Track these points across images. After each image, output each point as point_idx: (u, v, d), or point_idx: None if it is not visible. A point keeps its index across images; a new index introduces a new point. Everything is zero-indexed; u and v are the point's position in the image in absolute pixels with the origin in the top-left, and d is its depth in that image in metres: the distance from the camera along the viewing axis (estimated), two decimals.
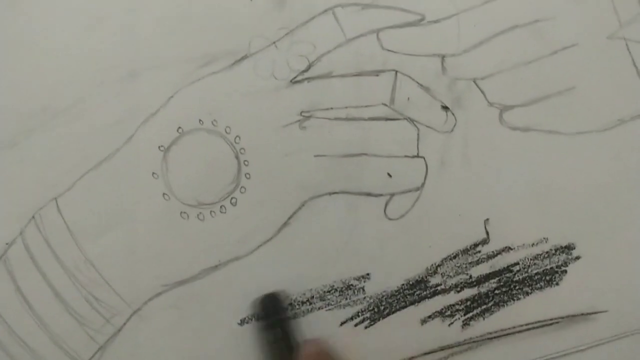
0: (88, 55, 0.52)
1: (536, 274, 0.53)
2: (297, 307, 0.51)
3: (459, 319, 0.52)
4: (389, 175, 0.52)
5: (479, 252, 0.53)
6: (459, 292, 0.53)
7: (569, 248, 0.53)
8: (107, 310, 0.50)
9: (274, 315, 0.49)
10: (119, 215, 0.51)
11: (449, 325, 0.52)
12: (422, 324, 0.52)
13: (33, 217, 0.50)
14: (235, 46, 0.53)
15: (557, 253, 0.53)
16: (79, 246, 0.50)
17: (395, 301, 0.52)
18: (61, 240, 0.50)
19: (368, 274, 0.52)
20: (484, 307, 0.52)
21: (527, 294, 0.53)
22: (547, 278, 0.53)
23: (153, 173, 0.51)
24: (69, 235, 0.50)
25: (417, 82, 0.54)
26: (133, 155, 0.51)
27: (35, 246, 0.50)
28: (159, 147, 0.51)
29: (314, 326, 0.51)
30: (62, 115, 0.51)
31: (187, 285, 0.51)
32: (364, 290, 0.52)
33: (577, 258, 0.53)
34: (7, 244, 0.50)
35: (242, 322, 0.51)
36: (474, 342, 0.52)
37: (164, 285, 0.50)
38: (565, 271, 0.53)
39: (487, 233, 0.52)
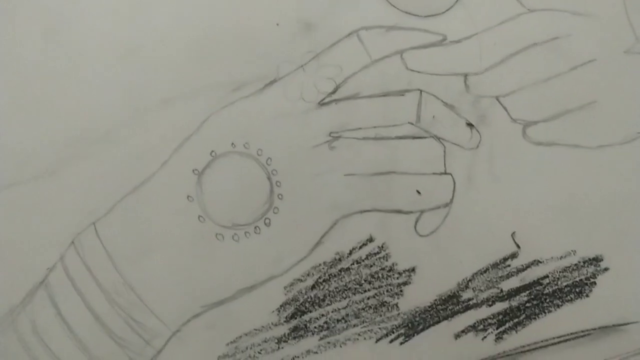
0: (122, 85, 0.53)
1: (566, 286, 0.54)
2: (333, 324, 0.52)
3: (491, 332, 0.53)
4: (418, 192, 0.53)
5: (509, 265, 0.53)
6: (490, 306, 0.53)
7: (597, 260, 0.54)
8: (147, 333, 0.51)
9: None
10: (156, 238, 0.52)
11: (483, 339, 0.53)
12: (455, 339, 0.53)
13: (72, 242, 0.51)
14: (265, 71, 0.54)
15: (586, 265, 0.54)
16: (118, 270, 0.51)
17: (429, 316, 0.53)
18: (100, 264, 0.51)
19: (401, 291, 0.52)
20: (516, 320, 0.53)
21: (558, 306, 0.54)
22: (577, 290, 0.54)
23: (188, 196, 0.52)
24: (107, 259, 0.51)
25: (442, 101, 0.55)
26: (168, 179, 0.52)
27: (75, 270, 0.51)
28: (193, 170, 0.52)
29: (350, 343, 0.52)
30: (99, 143, 0.52)
31: (224, 305, 0.52)
32: (397, 306, 0.53)
33: (606, 269, 0.54)
34: (47, 269, 0.51)
35: (279, 341, 0.51)
36: (507, 355, 0.52)
37: (201, 306, 0.51)
38: (595, 283, 0.54)
39: (518, 246, 0.53)
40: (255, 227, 0.52)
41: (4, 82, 0.54)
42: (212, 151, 0.53)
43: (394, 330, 0.53)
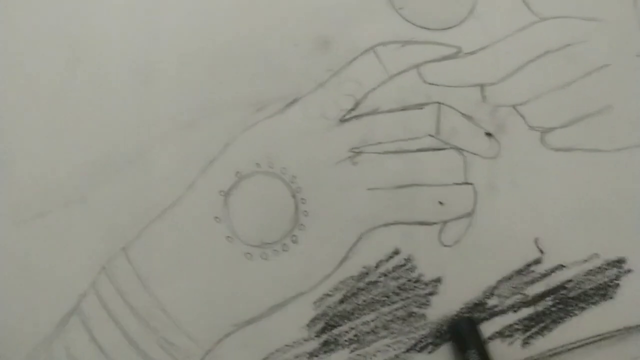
0: (146, 108, 0.55)
1: (590, 289, 0.55)
2: (362, 337, 0.53)
3: (518, 338, 0.54)
4: (441, 203, 0.54)
5: (533, 271, 0.54)
6: (516, 312, 0.54)
7: (620, 262, 0.55)
8: (181, 354, 0.52)
9: (471, 338, 0.52)
10: (187, 260, 0.53)
11: (509, 344, 0.54)
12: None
13: (104, 267, 0.52)
14: (285, 90, 0.55)
15: (609, 267, 0.55)
16: (150, 293, 0.52)
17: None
18: (132, 288, 0.52)
19: (428, 301, 0.53)
20: (542, 325, 0.54)
21: (583, 309, 0.54)
22: (601, 292, 0.55)
23: (216, 217, 0.53)
24: (139, 283, 0.52)
25: (460, 112, 0.56)
26: (196, 201, 0.53)
27: (107, 296, 0.52)
28: (220, 192, 0.53)
29: (380, 355, 0.53)
30: (126, 167, 0.54)
31: (256, 323, 0.53)
32: (425, 316, 0.54)
33: (629, 271, 0.55)
34: (80, 295, 0.52)
35: (311, 355, 0.52)
36: None
37: (233, 325, 0.53)
38: (618, 284, 0.55)
39: (541, 251, 0.54)
40: (282, 245, 0.53)
41: (29, 112, 0.55)
42: (237, 172, 0.54)
43: (423, 340, 0.54)
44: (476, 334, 0.53)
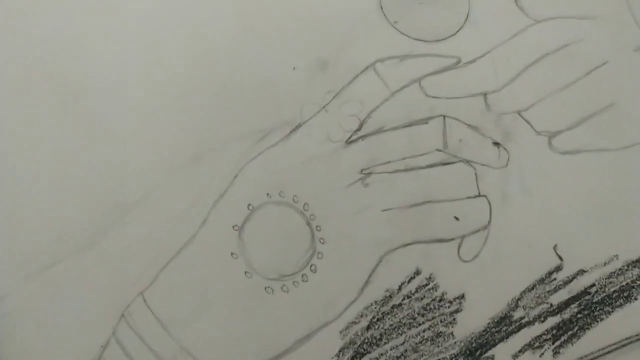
0: (150, 146, 0.53)
1: (614, 292, 0.54)
2: None
3: (548, 348, 0.53)
4: (456, 218, 0.54)
5: (555, 279, 0.54)
6: (543, 322, 0.54)
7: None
8: None
9: None
10: (206, 299, 0.52)
11: (540, 356, 0.53)
12: (514, 359, 0.53)
13: (123, 315, 0.51)
14: (288, 116, 0.54)
15: (630, 268, 0.54)
16: (173, 336, 0.51)
17: (485, 341, 0.53)
18: (154, 333, 0.51)
19: (454, 319, 0.53)
20: (570, 332, 0.53)
21: (609, 313, 0.54)
22: (625, 294, 0.54)
23: (232, 253, 0.52)
24: (160, 327, 0.50)
25: (465, 123, 0.55)
26: (209, 239, 0.52)
27: (129, 344, 0.50)
28: (233, 226, 0.52)
29: None
30: (135, 210, 0.52)
31: (283, 358, 0.52)
32: (453, 335, 0.53)
33: None
34: (101, 346, 0.50)
35: None
36: None
37: None
38: None
39: (560, 258, 0.53)
40: (302, 275, 0.52)
41: (28, 161, 0.53)
42: (249, 204, 0.53)
43: (453, 359, 0.52)
44: None
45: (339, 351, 0.53)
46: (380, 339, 0.53)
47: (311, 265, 0.52)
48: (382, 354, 0.53)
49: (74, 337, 0.51)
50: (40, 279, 0.52)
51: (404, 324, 0.53)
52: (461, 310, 0.53)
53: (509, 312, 0.53)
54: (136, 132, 0.54)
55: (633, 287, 0.54)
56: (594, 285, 0.54)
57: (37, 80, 0.55)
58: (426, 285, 0.53)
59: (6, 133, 0.54)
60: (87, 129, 0.54)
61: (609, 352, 0.53)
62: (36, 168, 0.53)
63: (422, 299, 0.53)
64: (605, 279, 0.54)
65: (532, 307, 0.54)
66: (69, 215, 0.53)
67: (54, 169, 0.54)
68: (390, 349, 0.53)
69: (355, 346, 0.52)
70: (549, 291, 0.54)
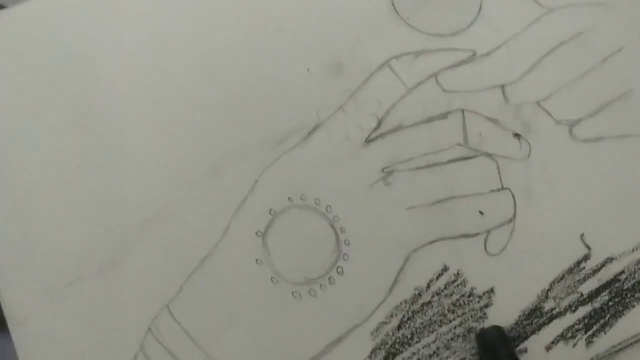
0: (167, 159, 0.53)
1: None
2: None
3: (581, 338, 0.52)
4: (481, 212, 0.53)
5: (584, 268, 0.53)
6: (574, 312, 0.53)
7: None
8: None
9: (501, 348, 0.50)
10: (233, 308, 0.51)
11: (574, 346, 0.52)
12: (547, 351, 0.53)
13: (149, 329, 0.50)
14: (305, 118, 0.54)
15: None
16: (201, 348, 0.50)
17: (517, 334, 0.52)
18: (182, 345, 0.50)
19: (485, 313, 0.52)
20: (602, 321, 0.53)
21: None
22: None
23: (257, 260, 0.51)
24: (188, 339, 0.50)
25: (485, 116, 0.54)
26: (233, 246, 0.51)
27: (157, 357, 0.49)
28: (256, 232, 0.51)
29: None
30: (156, 224, 0.52)
31: None
32: None
33: None
34: None
35: None
36: (601, 358, 0.52)
37: None
38: None
39: (588, 247, 0.52)
40: (329, 279, 0.51)
41: (45, 180, 0.53)
42: (271, 209, 0.52)
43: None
44: (505, 342, 0.51)
45: (371, 352, 0.52)
46: (412, 338, 0.52)
47: (337, 268, 0.51)
48: (414, 353, 0.52)
49: (102, 354, 0.51)
50: (63, 298, 0.51)
51: (435, 321, 0.52)
52: (491, 304, 0.53)
53: (539, 304, 0.53)
54: (152, 146, 0.53)
55: None
56: (623, 272, 0.54)
57: (53, 99, 0.54)
58: (454, 281, 0.53)
59: (26, 152, 0.53)
60: (104, 145, 0.53)
61: None
62: (55, 187, 0.53)
63: (451, 295, 0.53)
64: (635, 265, 0.54)
65: (562, 298, 0.53)
66: (90, 233, 0.52)
67: (73, 187, 0.53)
68: (422, 348, 0.52)
69: (387, 346, 0.52)
70: (578, 281, 0.53)
